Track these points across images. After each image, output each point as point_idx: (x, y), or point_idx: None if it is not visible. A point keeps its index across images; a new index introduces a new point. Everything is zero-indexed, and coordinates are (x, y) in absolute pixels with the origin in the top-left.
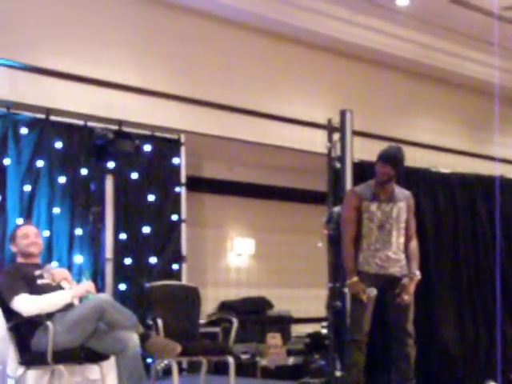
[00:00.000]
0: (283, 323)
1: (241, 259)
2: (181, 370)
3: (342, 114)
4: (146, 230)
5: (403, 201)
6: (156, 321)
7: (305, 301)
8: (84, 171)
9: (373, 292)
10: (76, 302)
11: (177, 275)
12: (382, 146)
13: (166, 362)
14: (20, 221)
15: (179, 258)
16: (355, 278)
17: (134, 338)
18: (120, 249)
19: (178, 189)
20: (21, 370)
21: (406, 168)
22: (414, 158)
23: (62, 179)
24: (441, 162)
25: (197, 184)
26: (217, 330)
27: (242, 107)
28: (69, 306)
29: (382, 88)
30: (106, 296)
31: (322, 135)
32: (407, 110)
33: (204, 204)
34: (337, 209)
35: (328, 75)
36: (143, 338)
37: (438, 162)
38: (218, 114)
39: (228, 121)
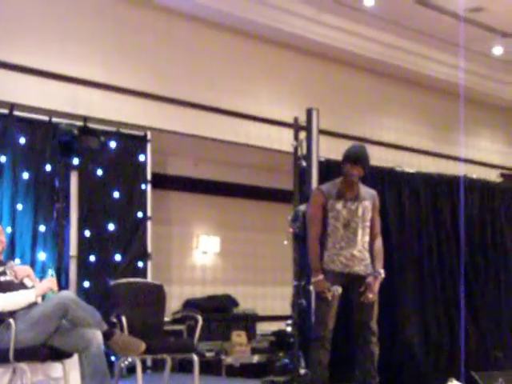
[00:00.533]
0: (248, 321)
1: (206, 257)
2: (145, 367)
3: (309, 112)
4: (111, 227)
5: (369, 200)
6: (120, 318)
7: (270, 299)
8: (48, 167)
9: (337, 291)
10: (39, 299)
11: (142, 273)
12: (348, 145)
13: (129, 359)
14: None
15: (144, 256)
16: (320, 277)
17: (97, 336)
18: (84, 246)
19: (143, 186)
20: None
21: (371, 167)
22: (379, 158)
23: (25, 175)
24: (405, 162)
25: (162, 181)
26: (182, 327)
27: (209, 105)
28: (32, 304)
29: (348, 87)
30: (69, 293)
31: (288, 134)
32: (373, 110)
33: (169, 201)
34: (302, 207)
35: (295, 74)
36: (107, 336)
37: (403, 161)
38: (184, 111)
39: (195, 118)
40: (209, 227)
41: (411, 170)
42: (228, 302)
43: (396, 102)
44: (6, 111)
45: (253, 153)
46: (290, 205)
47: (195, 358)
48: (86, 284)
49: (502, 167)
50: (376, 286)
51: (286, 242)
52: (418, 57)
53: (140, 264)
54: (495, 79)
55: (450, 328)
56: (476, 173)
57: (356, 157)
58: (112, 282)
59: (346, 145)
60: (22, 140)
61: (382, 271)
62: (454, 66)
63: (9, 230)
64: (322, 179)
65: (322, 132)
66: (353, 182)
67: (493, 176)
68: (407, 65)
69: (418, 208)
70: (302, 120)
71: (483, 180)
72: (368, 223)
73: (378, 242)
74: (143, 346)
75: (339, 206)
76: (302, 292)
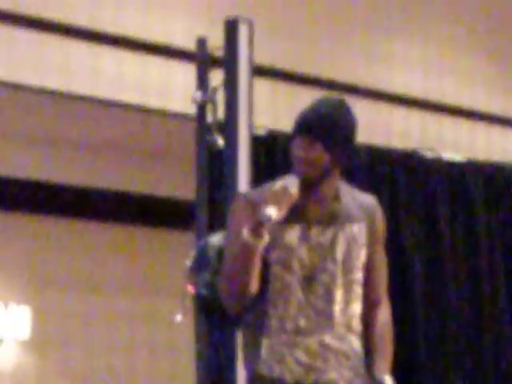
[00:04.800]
0: None
1: (1, 351)
2: None
3: (230, 27)
4: None
5: (360, 220)
6: None
7: None
8: None
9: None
10: None
11: None
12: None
13: None
14: None
15: None
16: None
17: None
18: None
19: None
20: None
21: (365, 148)
22: (386, 128)
23: None
24: (445, 138)
25: None
26: None
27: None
28: None
29: None
30: None
31: (184, 75)
32: (371, 26)
33: None
34: (216, 239)
35: None
36: None
37: (440, 136)
38: None
39: None
40: (8, 285)
41: (456, 157)
42: None
43: (424, 9)
44: None
45: (109, 118)
46: (189, 234)
47: None
48: None
49: None
50: None
51: (178, 319)
52: None
53: None
54: None
55: None
56: None
57: (307, 121)
58: None
59: (310, 99)
60: None
61: (388, 380)
62: None
63: None
64: (261, 176)
65: (259, 72)
66: (308, 178)
67: None
68: None
69: (469, 229)
70: (216, 44)
71: None
72: (359, 274)
73: (383, 315)
74: None
75: (292, 236)
76: None
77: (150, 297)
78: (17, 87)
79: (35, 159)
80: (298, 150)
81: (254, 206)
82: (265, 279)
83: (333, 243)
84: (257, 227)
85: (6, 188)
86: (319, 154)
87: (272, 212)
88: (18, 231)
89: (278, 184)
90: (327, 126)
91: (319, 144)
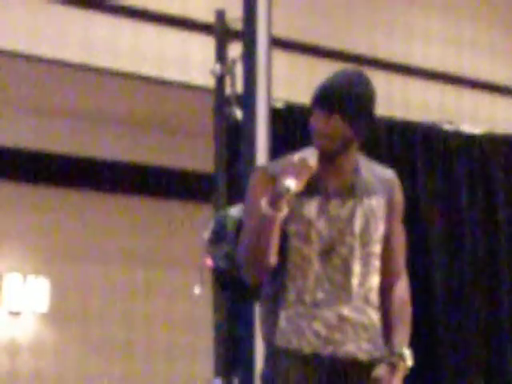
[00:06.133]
0: None
1: (19, 324)
2: None
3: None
4: None
5: (380, 194)
6: None
7: None
8: None
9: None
10: None
11: None
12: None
13: None
14: None
15: None
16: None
17: None
18: None
19: None
20: None
21: (383, 121)
22: (404, 101)
23: None
24: (464, 111)
25: None
26: None
27: None
28: None
29: None
30: None
31: (203, 47)
32: None
33: None
34: (234, 211)
35: None
36: None
37: (459, 109)
38: None
39: None
40: (27, 258)
41: (474, 130)
42: None
43: None
44: None
45: (128, 91)
46: (208, 207)
47: None
48: None
49: None
50: None
51: (196, 291)
52: None
53: None
54: None
55: None
56: None
57: (326, 94)
58: None
59: (329, 72)
60: None
61: (406, 352)
62: None
63: None
64: (279, 148)
65: (278, 44)
66: (328, 151)
67: None
68: None
69: (490, 206)
70: (235, 16)
71: None
72: (377, 248)
73: (400, 288)
74: None
75: (311, 209)
76: None
77: (168, 269)
78: (37, 59)
79: (55, 132)
80: (316, 122)
81: (273, 178)
82: (283, 251)
83: (351, 216)
84: (275, 199)
85: (26, 160)
86: (338, 127)
87: (291, 184)
88: (37, 204)
89: (297, 156)
90: (346, 99)
91: (338, 117)
